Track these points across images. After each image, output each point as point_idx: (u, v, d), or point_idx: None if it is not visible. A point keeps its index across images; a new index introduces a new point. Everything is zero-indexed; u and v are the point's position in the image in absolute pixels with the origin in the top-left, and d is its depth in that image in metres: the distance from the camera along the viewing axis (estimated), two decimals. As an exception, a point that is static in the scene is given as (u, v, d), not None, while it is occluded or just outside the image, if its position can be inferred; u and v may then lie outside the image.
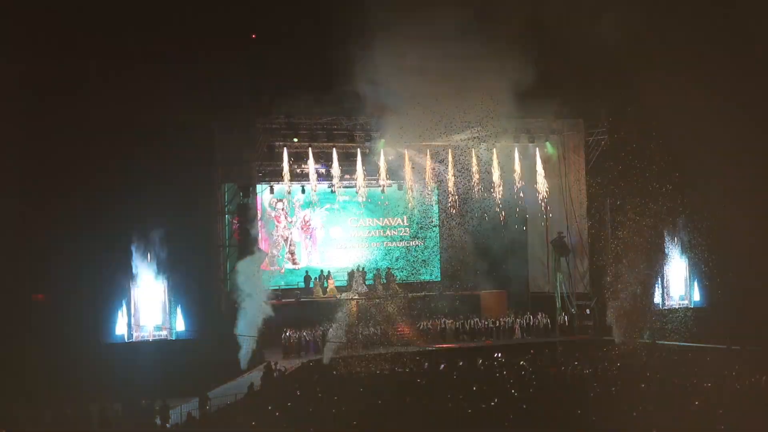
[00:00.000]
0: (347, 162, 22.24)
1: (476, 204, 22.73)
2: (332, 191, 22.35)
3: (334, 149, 21.84)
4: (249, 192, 20.64)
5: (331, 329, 20.11)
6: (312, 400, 15.50)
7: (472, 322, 22.08)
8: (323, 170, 22.09)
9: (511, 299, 23.70)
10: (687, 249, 22.72)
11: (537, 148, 23.22)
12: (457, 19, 19.09)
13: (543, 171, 23.27)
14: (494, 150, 22.64)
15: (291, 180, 21.64)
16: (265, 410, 14.72)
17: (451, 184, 22.67)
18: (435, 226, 24.44)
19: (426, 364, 18.78)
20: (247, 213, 20.68)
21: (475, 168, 22.59)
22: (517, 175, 23.01)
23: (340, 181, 22.12)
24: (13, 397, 15.64)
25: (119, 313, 19.03)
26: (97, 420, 15.00)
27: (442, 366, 18.46)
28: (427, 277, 24.28)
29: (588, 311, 22.73)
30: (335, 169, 21.88)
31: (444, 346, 21.06)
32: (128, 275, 19.27)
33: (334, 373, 18.44)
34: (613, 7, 18.62)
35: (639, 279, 21.84)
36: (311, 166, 21.69)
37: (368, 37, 19.00)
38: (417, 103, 19.71)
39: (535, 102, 20.97)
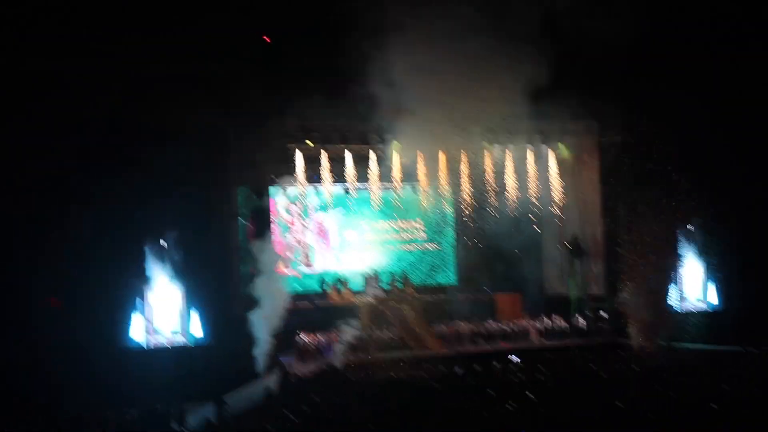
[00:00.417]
0: (361, 164, 22.21)
1: (490, 206, 22.73)
2: (346, 193, 22.32)
3: (348, 151, 21.88)
4: (263, 195, 20.64)
5: (346, 333, 20.06)
6: (328, 404, 15.44)
7: (488, 325, 22.00)
8: (337, 172, 22.03)
9: (526, 302, 23.60)
10: (703, 251, 22.53)
11: (551, 150, 23.21)
12: (471, 17, 19.00)
13: (557, 172, 23.25)
14: (508, 151, 22.65)
15: (305, 182, 21.69)
16: (282, 415, 14.68)
17: (465, 185, 22.63)
18: (450, 228, 24.38)
19: (443, 368, 18.71)
20: (261, 216, 20.68)
21: (488, 169, 22.61)
22: (530, 177, 23.01)
23: (353, 183, 22.17)
24: (28, 402, 15.69)
25: (135, 317, 18.97)
26: (114, 426, 14.98)
27: (459, 370, 18.39)
28: (443, 280, 24.23)
29: (604, 314, 22.63)
30: (349, 171, 21.89)
31: (460, 350, 20.98)
32: (143, 279, 19.20)
33: (350, 377, 18.37)
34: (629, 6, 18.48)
35: (655, 281, 21.71)
36: (325, 169, 21.69)
37: (381, 37, 18.95)
38: (430, 103, 19.64)
39: (549, 103, 20.83)
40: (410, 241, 24.42)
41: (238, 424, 15.22)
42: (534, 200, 23.05)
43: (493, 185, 22.63)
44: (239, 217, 21.02)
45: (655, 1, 18.79)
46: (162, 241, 19.14)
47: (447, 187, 22.93)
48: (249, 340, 18.84)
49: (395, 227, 24.27)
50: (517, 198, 22.76)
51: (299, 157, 21.41)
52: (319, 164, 21.69)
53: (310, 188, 22.17)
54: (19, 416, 15.17)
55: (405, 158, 22.05)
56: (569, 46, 19.17)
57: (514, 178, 22.73)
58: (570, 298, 23.05)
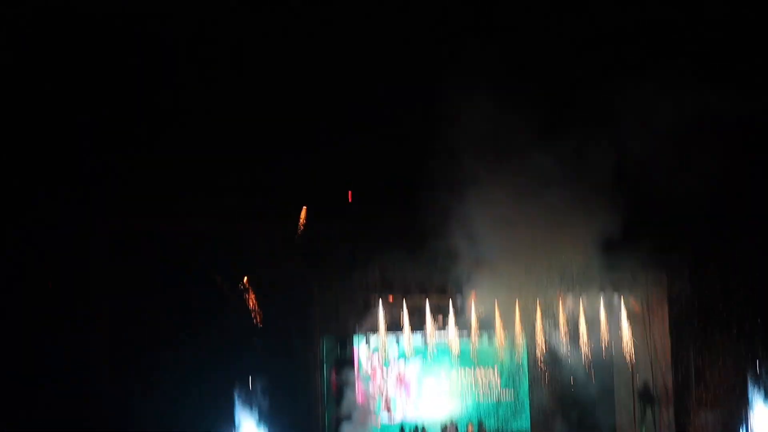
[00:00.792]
0: (439, 314, 23.03)
1: (564, 354, 23.30)
2: (425, 343, 23.06)
3: (427, 301, 22.84)
4: (346, 344, 21.49)
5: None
6: None
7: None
8: (416, 322, 22.87)
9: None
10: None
11: (622, 298, 23.88)
12: (545, 171, 20.18)
13: (627, 322, 23.81)
14: (581, 300, 23.41)
15: (385, 332, 22.54)
16: None
17: (539, 334, 23.31)
18: (525, 376, 24.79)
19: None
20: (344, 365, 21.45)
21: (562, 318, 23.33)
22: (602, 325, 23.61)
23: (432, 332, 22.96)
24: None
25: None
26: None
27: None
28: (518, 427, 24.45)
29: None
30: (428, 321, 22.76)
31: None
32: (231, 424, 19.91)
33: None
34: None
35: (724, 427, 21.90)
36: (405, 319, 22.60)
37: (458, 192, 20.15)
38: (506, 254, 20.62)
39: (619, 254, 21.70)
40: (487, 389, 24.78)
41: None
42: (606, 348, 23.53)
43: (567, 333, 23.21)
44: (323, 365, 21.83)
45: (727, 155, 19.80)
46: (250, 387, 19.97)
47: (522, 336, 23.59)
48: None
49: (472, 375, 24.68)
50: (590, 346, 23.25)
51: (380, 308, 22.33)
52: (400, 314, 22.62)
53: (391, 337, 22.90)
54: None
55: (482, 308, 22.88)
56: (640, 199, 20.20)
57: (586, 327, 23.29)
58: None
